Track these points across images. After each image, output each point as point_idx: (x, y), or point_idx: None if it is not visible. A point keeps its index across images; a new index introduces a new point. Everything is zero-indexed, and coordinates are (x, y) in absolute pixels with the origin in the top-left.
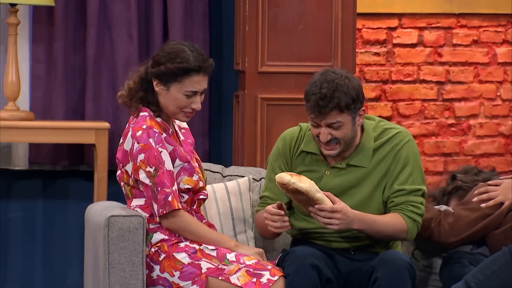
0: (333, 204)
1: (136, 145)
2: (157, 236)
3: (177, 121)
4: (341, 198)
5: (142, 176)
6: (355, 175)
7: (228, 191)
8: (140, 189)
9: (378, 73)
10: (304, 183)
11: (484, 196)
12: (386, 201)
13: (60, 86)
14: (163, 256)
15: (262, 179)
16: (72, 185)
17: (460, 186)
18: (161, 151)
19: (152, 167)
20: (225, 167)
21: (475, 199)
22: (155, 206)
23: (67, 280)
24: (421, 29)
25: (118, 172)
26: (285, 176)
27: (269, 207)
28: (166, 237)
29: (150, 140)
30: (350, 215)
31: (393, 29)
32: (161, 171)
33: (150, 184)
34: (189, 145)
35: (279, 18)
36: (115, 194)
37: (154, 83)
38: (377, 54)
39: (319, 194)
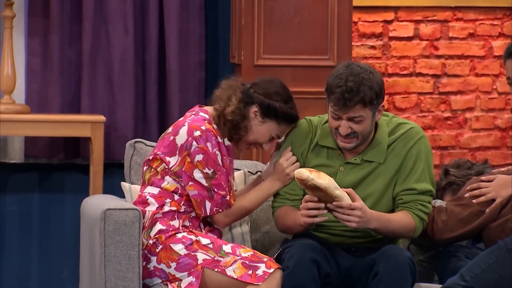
0: (353, 202)
1: (194, 144)
2: (156, 227)
3: None
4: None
5: (198, 176)
6: (369, 170)
7: None
8: (164, 178)
9: (374, 66)
10: (323, 179)
11: (476, 192)
12: (395, 197)
13: (56, 79)
14: (160, 247)
15: (258, 172)
16: (68, 178)
17: (453, 181)
18: (217, 154)
19: (210, 169)
20: None
21: (467, 195)
22: (208, 205)
23: (63, 274)
24: (417, 22)
25: (151, 156)
26: (304, 172)
27: (307, 197)
28: (164, 228)
29: (208, 143)
30: (368, 214)
31: (389, 22)
32: (219, 173)
33: (206, 185)
34: (230, 161)
35: (275, 12)
36: (111, 187)
37: (254, 109)
38: (373, 47)
39: (338, 191)
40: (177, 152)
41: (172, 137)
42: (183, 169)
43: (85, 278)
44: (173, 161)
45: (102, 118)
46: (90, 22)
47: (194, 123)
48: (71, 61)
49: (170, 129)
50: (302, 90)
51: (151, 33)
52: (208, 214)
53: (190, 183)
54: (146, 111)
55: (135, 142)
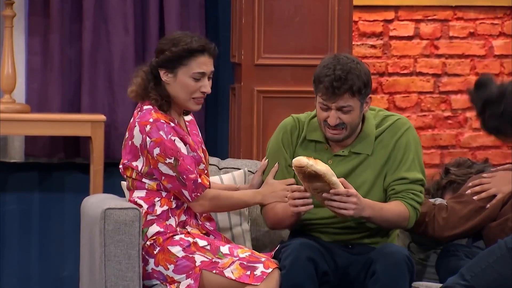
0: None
1: (148, 140)
2: (153, 229)
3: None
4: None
5: (164, 169)
6: (357, 162)
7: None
8: (143, 181)
9: (375, 65)
10: (321, 166)
11: (477, 188)
12: (387, 188)
13: (56, 78)
14: (158, 249)
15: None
16: (68, 177)
17: (454, 180)
18: (174, 139)
19: (171, 158)
20: (221, 159)
21: (468, 191)
22: (186, 193)
23: (63, 273)
24: (417, 21)
25: (121, 166)
26: (303, 159)
27: (294, 187)
28: (162, 230)
29: (161, 132)
30: (363, 201)
31: (390, 21)
32: (181, 159)
33: (174, 174)
34: (195, 136)
35: (276, 11)
36: (111, 186)
37: (161, 72)
38: (373, 46)
39: (335, 178)
40: (140, 154)
41: (130, 142)
42: (151, 167)
43: (85, 277)
44: (139, 164)
45: (102, 117)
46: (90, 21)
47: (142, 120)
48: (71, 60)
49: (126, 135)
50: (302, 89)
51: (151, 32)
52: (191, 201)
53: (163, 178)
54: None
55: None
